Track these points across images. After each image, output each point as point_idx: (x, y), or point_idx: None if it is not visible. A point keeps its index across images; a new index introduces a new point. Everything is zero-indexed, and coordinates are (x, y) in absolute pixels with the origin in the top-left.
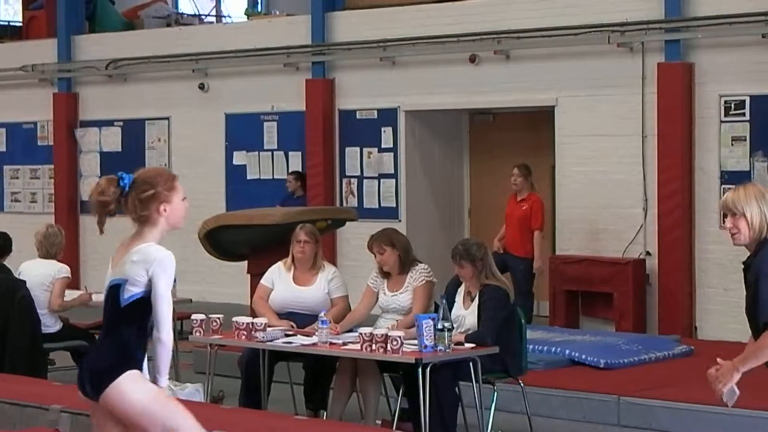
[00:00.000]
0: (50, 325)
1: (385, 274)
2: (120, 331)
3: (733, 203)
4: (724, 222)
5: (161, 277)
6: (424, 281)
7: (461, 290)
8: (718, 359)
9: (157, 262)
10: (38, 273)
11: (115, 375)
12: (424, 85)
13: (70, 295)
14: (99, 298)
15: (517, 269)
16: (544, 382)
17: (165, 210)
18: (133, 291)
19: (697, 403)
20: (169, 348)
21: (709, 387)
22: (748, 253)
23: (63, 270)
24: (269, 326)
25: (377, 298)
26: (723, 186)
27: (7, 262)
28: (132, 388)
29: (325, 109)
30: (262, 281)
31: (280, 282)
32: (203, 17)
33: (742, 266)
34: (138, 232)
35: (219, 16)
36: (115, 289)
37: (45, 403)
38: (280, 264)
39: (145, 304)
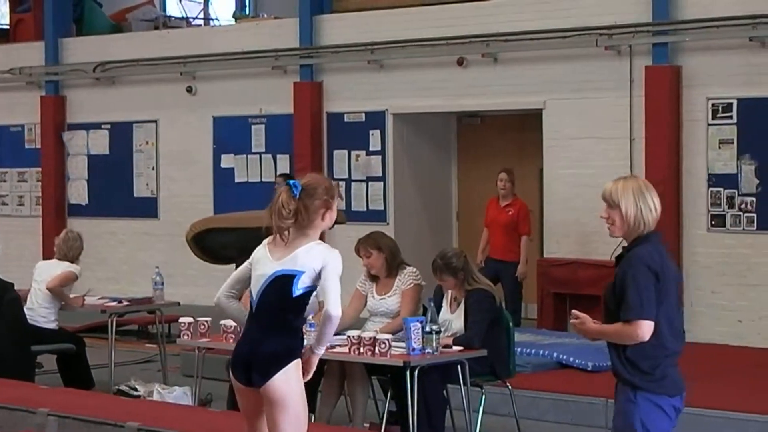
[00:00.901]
0: (49, 320)
1: (374, 278)
2: (289, 320)
3: (611, 194)
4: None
5: (336, 268)
6: (412, 284)
7: (448, 295)
8: (574, 311)
9: (332, 256)
10: (51, 272)
11: (287, 361)
12: (412, 88)
13: (72, 293)
14: (91, 301)
15: (507, 275)
16: (532, 384)
17: (327, 217)
18: (307, 283)
19: (684, 407)
20: (335, 325)
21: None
22: None
23: (73, 266)
24: None
25: (365, 302)
26: (711, 189)
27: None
28: (297, 375)
29: (313, 111)
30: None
31: None
32: (191, 20)
33: (614, 259)
34: (302, 233)
35: (207, 19)
36: (285, 280)
37: (32, 407)
38: None
39: (309, 296)
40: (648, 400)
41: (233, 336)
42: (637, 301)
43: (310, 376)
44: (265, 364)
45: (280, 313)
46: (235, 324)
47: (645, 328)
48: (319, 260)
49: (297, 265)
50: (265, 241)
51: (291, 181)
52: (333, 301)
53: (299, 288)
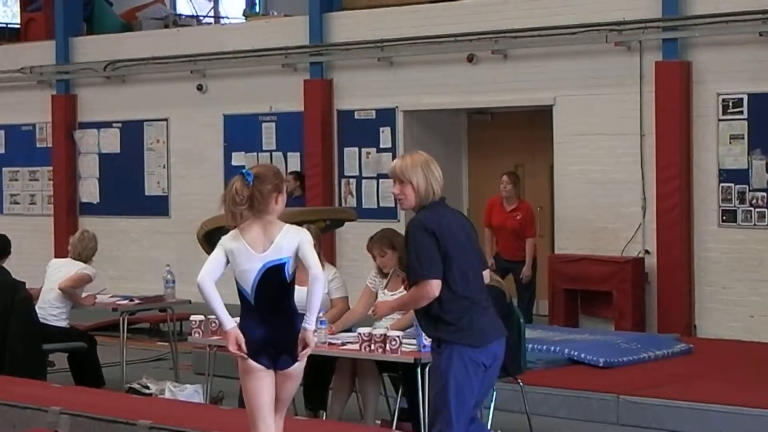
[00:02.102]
0: (61, 319)
1: (384, 274)
2: (290, 302)
3: (401, 171)
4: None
5: (308, 239)
6: None
7: None
8: (378, 302)
9: (303, 232)
10: (64, 271)
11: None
12: (422, 85)
13: (86, 293)
14: (102, 300)
15: (515, 273)
16: (543, 381)
17: (279, 200)
18: (293, 265)
19: (696, 402)
20: (323, 284)
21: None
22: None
23: (88, 268)
24: None
25: (376, 298)
26: (721, 184)
27: (6, 265)
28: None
29: (323, 109)
30: None
31: None
32: (201, 18)
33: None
34: (266, 220)
35: (217, 17)
36: (276, 269)
37: (44, 405)
38: None
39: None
40: (455, 350)
41: None
42: (417, 263)
43: (311, 350)
44: (293, 346)
45: (281, 298)
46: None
47: (431, 286)
48: (295, 241)
49: (282, 253)
50: (234, 233)
51: (244, 171)
52: (316, 265)
53: (289, 272)
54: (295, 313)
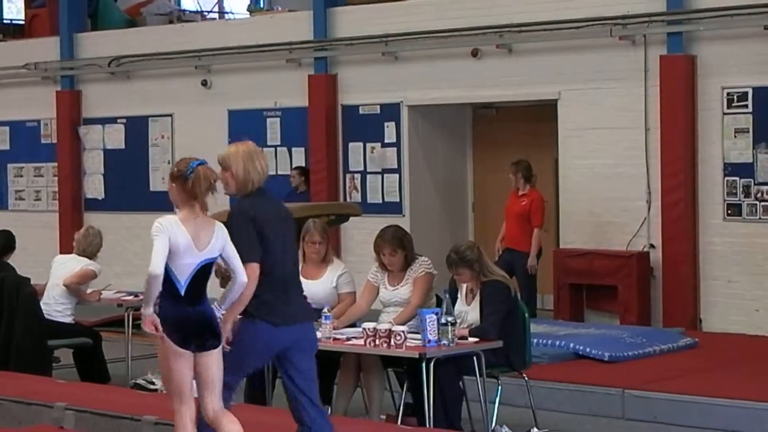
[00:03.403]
0: (65, 315)
1: (386, 269)
2: (206, 291)
3: (223, 158)
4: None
5: (228, 236)
6: (424, 272)
7: (463, 287)
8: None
9: (226, 231)
10: (69, 267)
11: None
12: (427, 79)
13: (90, 288)
14: (107, 295)
15: (518, 264)
16: (548, 375)
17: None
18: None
19: (701, 396)
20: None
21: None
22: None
23: (93, 264)
24: None
25: (378, 293)
26: (726, 178)
27: (11, 261)
28: None
29: (328, 104)
30: None
31: None
32: (205, 14)
33: None
34: (205, 216)
35: (221, 13)
36: (209, 266)
37: (49, 401)
38: None
39: None
40: (255, 324)
41: None
42: (239, 248)
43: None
44: (216, 328)
45: (204, 288)
46: None
47: (252, 269)
48: (222, 240)
49: (215, 252)
50: (179, 224)
51: (202, 160)
52: (241, 268)
53: (213, 267)
54: (209, 304)
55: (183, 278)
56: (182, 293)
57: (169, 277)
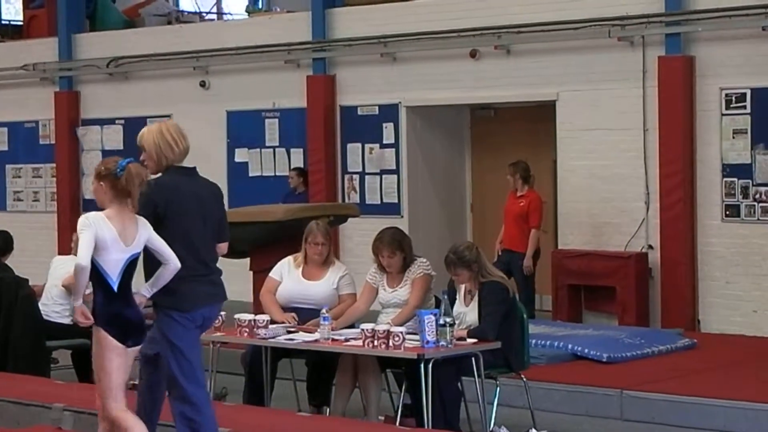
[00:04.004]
0: (64, 316)
1: (384, 270)
2: (131, 289)
3: (139, 140)
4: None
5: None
6: (422, 273)
7: (461, 288)
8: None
9: (148, 223)
10: (67, 268)
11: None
12: (425, 80)
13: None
14: None
15: (516, 266)
16: (546, 376)
17: None
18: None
19: (700, 397)
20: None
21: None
22: None
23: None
24: (273, 322)
25: (376, 294)
26: (725, 179)
27: (9, 262)
28: None
29: (326, 105)
30: (271, 274)
31: (289, 276)
32: (204, 15)
33: None
34: (130, 213)
35: (219, 14)
36: (135, 260)
37: (48, 402)
38: (290, 258)
39: None
40: (167, 314)
41: (247, 330)
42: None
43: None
44: (144, 325)
45: (130, 284)
46: (249, 318)
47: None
48: (146, 233)
49: (140, 246)
50: (105, 220)
51: (130, 158)
52: (172, 255)
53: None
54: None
55: (114, 274)
56: (115, 290)
57: (100, 275)
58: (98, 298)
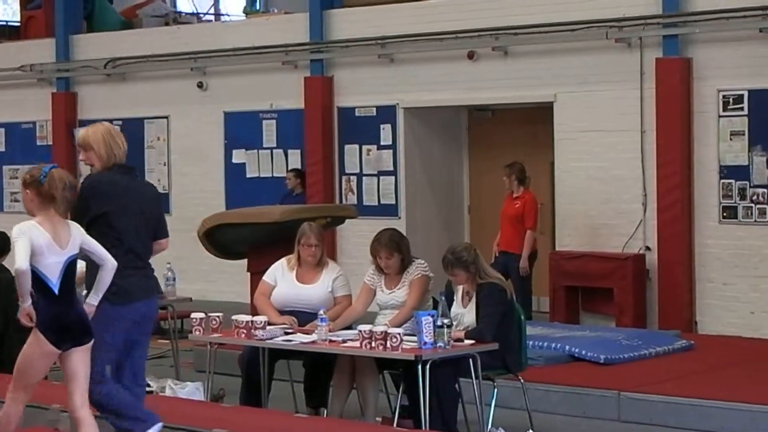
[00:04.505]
0: None
1: (383, 272)
2: (75, 290)
3: (84, 139)
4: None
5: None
6: (420, 275)
7: (459, 289)
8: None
9: (79, 226)
10: None
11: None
12: (423, 81)
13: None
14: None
15: (512, 267)
16: (544, 377)
17: None
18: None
19: (697, 398)
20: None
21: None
22: None
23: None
24: (270, 323)
25: (374, 296)
26: (722, 181)
27: (6, 263)
28: None
29: (323, 106)
30: (265, 278)
31: (283, 280)
32: (201, 16)
33: None
34: (51, 213)
35: (217, 15)
36: (74, 262)
37: (44, 403)
38: (283, 261)
39: None
40: (104, 308)
41: (245, 331)
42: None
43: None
44: (87, 323)
45: (72, 285)
46: (246, 319)
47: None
48: (80, 235)
49: (76, 248)
50: (37, 226)
51: (54, 165)
52: (107, 255)
53: (76, 264)
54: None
55: (54, 277)
56: (57, 292)
57: (40, 279)
58: (40, 302)
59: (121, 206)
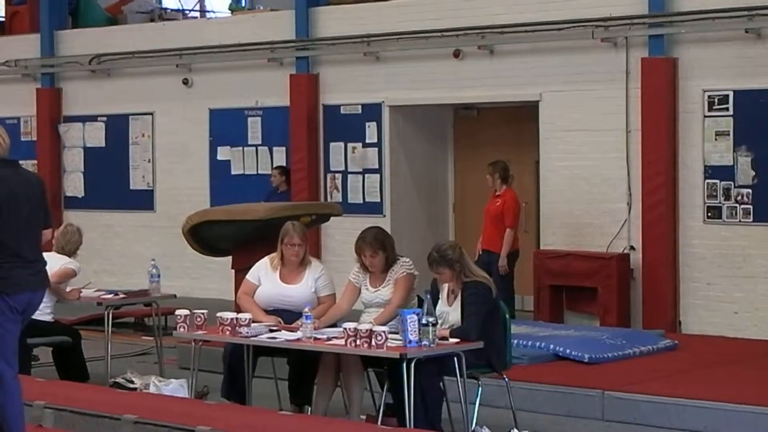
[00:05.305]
0: (45, 313)
1: (368, 270)
2: None
3: None
4: None
5: None
6: (405, 273)
7: (444, 288)
8: None
9: None
10: (49, 266)
11: None
12: (408, 80)
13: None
14: (87, 294)
15: (495, 266)
16: (528, 376)
17: None
18: None
19: (681, 398)
20: None
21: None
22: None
23: (72, 262)
24: (256, 321)
25: (359, 293)
26: (707, 181)
27: None
28: None
29: (309, 104)
30: (248, 277)
31: (267, 279)
32: (187, 12)
33: None
34: None
35: (203, 11)
36: None
37: (29, 399)
38: (266, 260)
39: None
40: None
41: (230, 328)
42: None
43: None
44: None
45: None
46: (231, 317)
47: None
48: None
49: None
50: None
51: None
52: None
53: None
54: None
55: None
56: None
57: None
58: None
59: (11, 199)
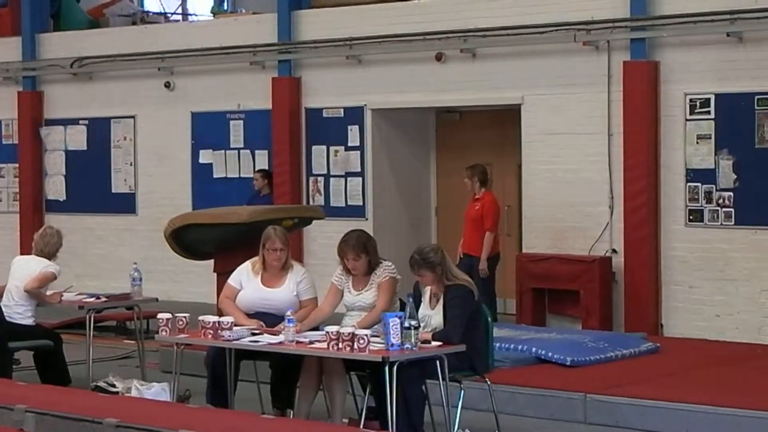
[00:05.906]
0: (26, 317)
1: (350, 273)
2: None
3: None
4: None
5: None
6: (387, 277)
7: (427, 291)
8: None
9: None
10: (28, 268)
11: None
12: (391, 83)
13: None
14: (69, 297)
15: (475, 269)
16: (510, 379)
17: None
18: None
19: (663, 401)
20: None
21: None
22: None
23: (52, 266)
24: (238, 325)
25: (342, 296)
26: (689, 184)
27: None
28: None
29: (291, 107)
30: (230, 281)
31: (248, 283)
32: (169, 15)
33: None
34: None
35: (185, 15)
36: None
37: (10, 403)
38: (248, 265)
39: None
40: None
41: (212, 332)
42: None
43: None
44: None
45: None
46: (213, 320)
47: None
48: None
49: None
50: None
51: None
52: None
53: None
54: None
55: None
56: None
57: None
58: None
59: None
